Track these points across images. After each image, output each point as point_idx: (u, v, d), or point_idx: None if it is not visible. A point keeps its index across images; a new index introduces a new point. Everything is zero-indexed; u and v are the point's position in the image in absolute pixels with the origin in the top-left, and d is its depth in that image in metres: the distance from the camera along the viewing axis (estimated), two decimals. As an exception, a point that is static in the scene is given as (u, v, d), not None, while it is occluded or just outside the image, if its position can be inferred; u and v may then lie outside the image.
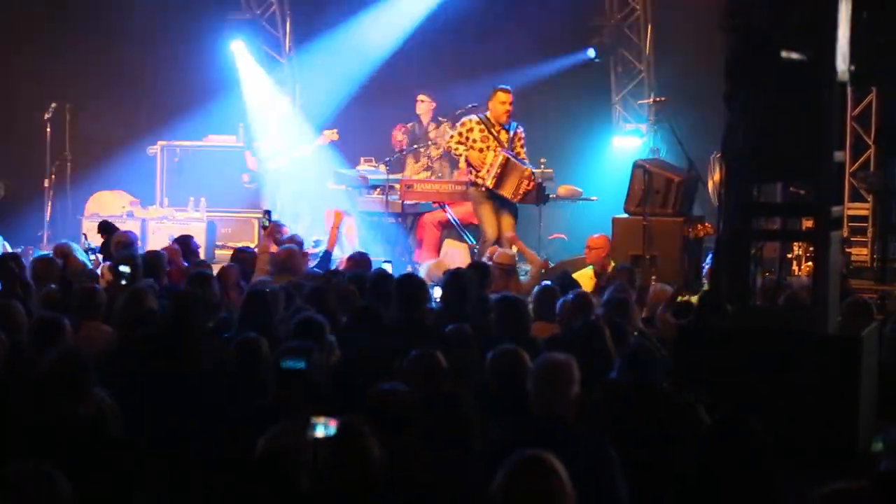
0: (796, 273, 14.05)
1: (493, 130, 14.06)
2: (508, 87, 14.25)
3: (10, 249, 13.31)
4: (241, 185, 16.92)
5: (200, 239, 14.75)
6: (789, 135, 6.97)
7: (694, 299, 10.53)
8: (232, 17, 18.23)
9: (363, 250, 12.71)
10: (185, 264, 11.26)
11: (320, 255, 12.42)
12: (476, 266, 10.27)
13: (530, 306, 9.15)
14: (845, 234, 14.10)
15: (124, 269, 9.84)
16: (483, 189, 13.96)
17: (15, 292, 8.88)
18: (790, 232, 8.80)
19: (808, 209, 7.55)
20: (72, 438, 5.65)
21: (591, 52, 17.55)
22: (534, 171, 14.25)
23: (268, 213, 12.75)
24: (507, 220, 14.02)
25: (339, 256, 12.89)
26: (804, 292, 9.40)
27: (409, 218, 15.34)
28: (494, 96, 14.15)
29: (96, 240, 12.65)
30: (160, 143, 17.90)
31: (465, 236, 15.07)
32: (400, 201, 14.99)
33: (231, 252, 12.26)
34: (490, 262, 11.43)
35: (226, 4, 18.28)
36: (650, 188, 13.86)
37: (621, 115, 18.01)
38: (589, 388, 6.65)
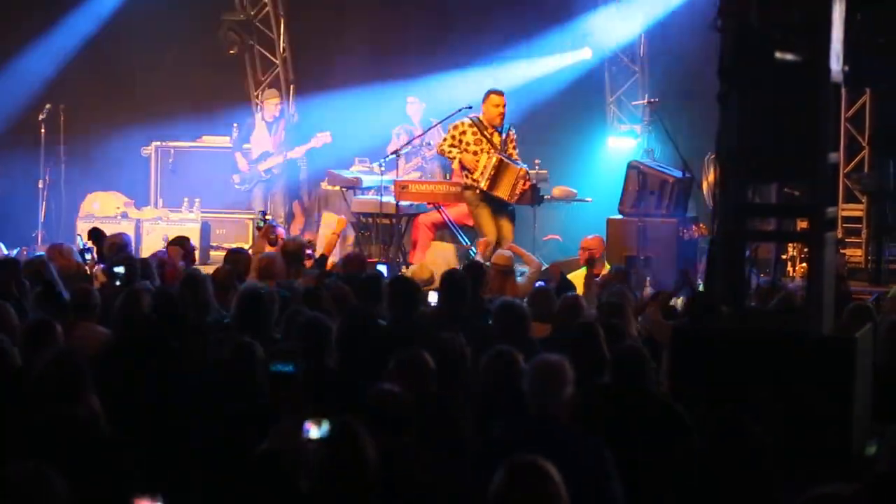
0: (791, 274, 14.09)
1: (486, 133, 14.01)
2: (502, 90, 14.21)
3: (4, 250, 13.31)
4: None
5: (195, 240, 14.72)
6: (784, 136, 6.97)
7: (679, 302, 10.55)
8: (226, 18, 18.22)
9: (356, 251, 12.74)
10: (182, 264, 11.25)
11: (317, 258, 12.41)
12: (471, 267, 10.25)
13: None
14: (840, 236, 14.10)
15: (119, 270, 9.84)
16: (478, 192, 13.93)
17: (11, 293, 8.86)
18: (785, 233, 8.81)
19: (802, 210, 7.55)
20: (68, 439, 5.64)
21: (587, 53, 17.55)
22: (528, 170, 14.25)
23: (263, 213, 12.75)
24: (507, 226, 14.00)
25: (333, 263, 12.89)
26: (796, 294, 9.42)
27: (403, 219, 15.34)
28: (488, 99, 14.09)
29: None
30: (154, 143, 17.88)
31: (459, 237, 15.07)
32: (394, 202, 14.98)
33: (225, 253, 12.23)
34: (487, 264, 11.42)
35: (219, 5, 18.27)
36: (645, 189, 13.88)
37: (616, 116, 18.01)
38: (583, 389, 6.66)
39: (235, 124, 17.04)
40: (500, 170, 13.80)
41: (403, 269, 13.15)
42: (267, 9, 18.49)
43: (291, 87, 18.62)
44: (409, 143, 15.97)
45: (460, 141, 14.02)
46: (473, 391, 6.95)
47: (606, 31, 17.27)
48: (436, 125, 15.66)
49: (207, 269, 11.05)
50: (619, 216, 14.01)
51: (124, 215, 16.85)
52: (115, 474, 5.63)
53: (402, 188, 14.89)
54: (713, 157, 11.25)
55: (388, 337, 7.98)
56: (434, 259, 14.07)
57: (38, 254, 12.23)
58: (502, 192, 13.85)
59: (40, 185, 17.25)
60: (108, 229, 12.86)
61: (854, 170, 16.10)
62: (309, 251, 12.01)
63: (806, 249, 8.97)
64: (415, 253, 15.22)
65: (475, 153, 13.94)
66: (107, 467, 5.64)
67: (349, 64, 17.92)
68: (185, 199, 17.21)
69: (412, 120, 16.43)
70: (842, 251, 14.53)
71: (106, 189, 17.55)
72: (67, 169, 17.44)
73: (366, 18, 18.10)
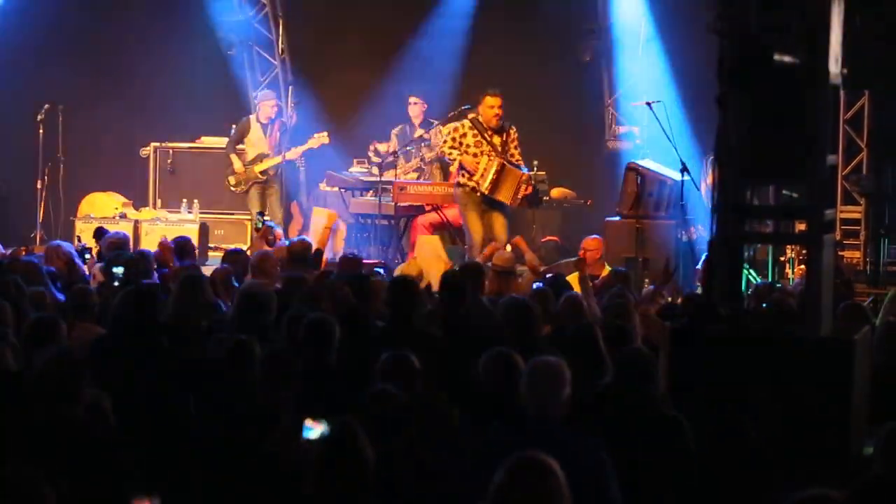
0: (789, 276, 14.09)
1: (485, 135, 13.94)
2: (498, 91, 14.08)
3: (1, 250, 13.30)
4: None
5: (193, 240, 14.71)
6: (782, 138, 6.98)
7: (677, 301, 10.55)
8: (224, 18, 18.22)
9: (354, 252, 12.74)
10: (178, 264, 11.23)
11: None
12: (469, 268, 10.22)
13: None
14: (838, 238, 14.11)
15: (117, 270, 9.83)
16: (469, 190, 13.84)
17: (8, 293, 8.85)
18: (783, 235, 8.82)
19: (800, 212, 7.56)
20: (66, 439, 5.65)
21: (586, 54, 17.55)
22: (528, 173, 14.21)
23: (261, 214, 12.74)
24: (499, 222, 13.89)
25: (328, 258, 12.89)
26: (790, 296, 9.43)
27: (402, 220, 15.34)
28: (483, 101, 13.98)
29: (90, 241, 12.65)
30: (153, 144, 17.86)
31: (458, 239, 15.07)
32: (393, 203, 14.98)
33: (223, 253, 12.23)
34: (488, 265, 11.41)
35: (218, 5, 18.27)
36: (643, 191, 13.89)
37: (614, 118, 18.01)
38: (585, 391, 6.67)
39: (234, 126, 17.01)
40: (501, 174, 13.72)
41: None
42: (266, 9, 18.49)
43: (290, 88, 18.61)
44: (407, 144, 15.97)
45: (460, 143, 13.94)
46: (473, 392, 6.95)
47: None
48: (436, 126, 15.65)
49: (206, 270, 11.04)
50: (618, 218, 14.02)
51: (122, 216, 16.84)
52: (114, 474, 5.64)
53: (400, 189, 14.89)
54: (712, 158, 11.26)
55: (387, 338, 7.98)
56: (421, 252, 14.04)
57: (33, 255, 12.21)
58: (504, 197, 13.78)
59: (38, 186, 17.24)
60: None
61: (852, 172, 16.11)
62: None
63: (804, 251, 8.98)
64: (413, 254, 15.20)
65: (475, 155, 13.87)
66: (106, 467, 5.65)
67: (348, 65, 17.92)
68: (184, 200, 17.20)
69: (413, 120, 16.40)
70: (842, 254, 14.55)
71: (104, 189, 17.56)
72: (66, 169, 17.44)
73: (365, 19, 18.08)
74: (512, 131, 14.08)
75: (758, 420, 6.43)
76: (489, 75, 16.10)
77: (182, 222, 16.68)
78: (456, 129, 14.06)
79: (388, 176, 15.35)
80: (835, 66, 7.06)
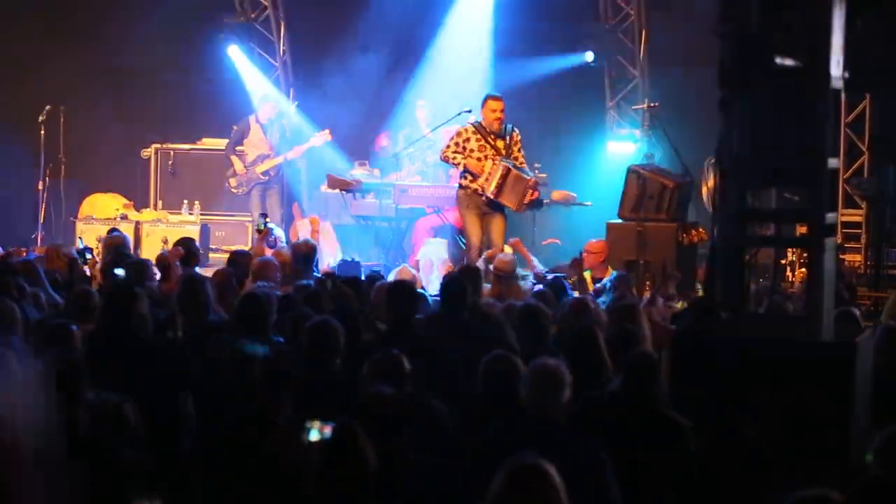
0: (790, 279, 14.09)
1: (488, 139, 13.89)
2: (499, 95, 14.06)
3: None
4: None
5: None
6: (784, 141, 6.97)
7: (681, 305, 10.55)
8: (226, 21, 18.24)
9: (353, 256, 12.75)
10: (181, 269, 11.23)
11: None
12: (467, 271, 10.22)
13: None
14: (839, 241, 14.11)
15: (118, 272, 9.84)
16: (471, 192, 13.79)
17: (10, 294, 8.86)
18: (784, 238, 8.80)
19: (802, 215, 7.55)
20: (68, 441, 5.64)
21: (589, 56, 17.56)
22: (535, 178, 14.16)
23: (263, 216, 12.73)
24: (497, 226, 13.83)
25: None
26: (788, 300, 9.43)
27: (403, 222, 15.35)
28: (485, 104, 13.93)
29: (91, 242, 12.66)
30: (154, 145, 17.89)
31: (459, 241, 15.07)
32: (394, 205, 14.98)
33: (227, 255, 12.24)
34: (490, 268, 11.41)
35: (220, 8, 18.29)
36: (644, 194, 13.89)
37: (615, 121, 18.02)
38: (582, 393, 6.68)
39: (235, 127, 17.01)
40: (507, 178, 13.65)
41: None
42: (267, 12, 18.50)
43: (291, 90, 18.64)
44: (408, 146, 15.98)
45: (464, 148, 13.87)
46: (472, 394, 6.96)
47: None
48: (439, 128, 15.64)
49: (206, 272, 11.05)
50: (619, 220, 14.01)
51: (123, 217, 16.85)
52: (114, 475, 5.64)
53: (401, 191, 14.89)
54: (713, 161, 11.27)
55: (387, 342, 7.99)
56: (426, 254, 14.04)
57: (29, 256, 12.21)
58: (509, 202, 13.71)
59: (40, 187, 17.25)
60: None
61: (854, 175, 16.12)
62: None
63: (805, 255, 8.98)
64: (414, 256, 15.21)
65: (479, 159, 13.80)
66: (106, 468, 5.65)
67: (349, 67, 17.92)
68: (185, 202, 17.21)
69: (420, 123, 16.37)
70: (844, 259, 14.56)
71: (105, 191, 17.57)
72: (67, 170, 17.45)
73: (366, 21, 18.09)
74: (515, 134, 14.00)
75: (759, 423, 6.43)
76: (490, 77, 16.13)
77: (183, 224, 16.69)
78: (459, 134, 13.98)
79: (391, 178, 15.35)
80: (836, 70, 7.05)
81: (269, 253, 11.57)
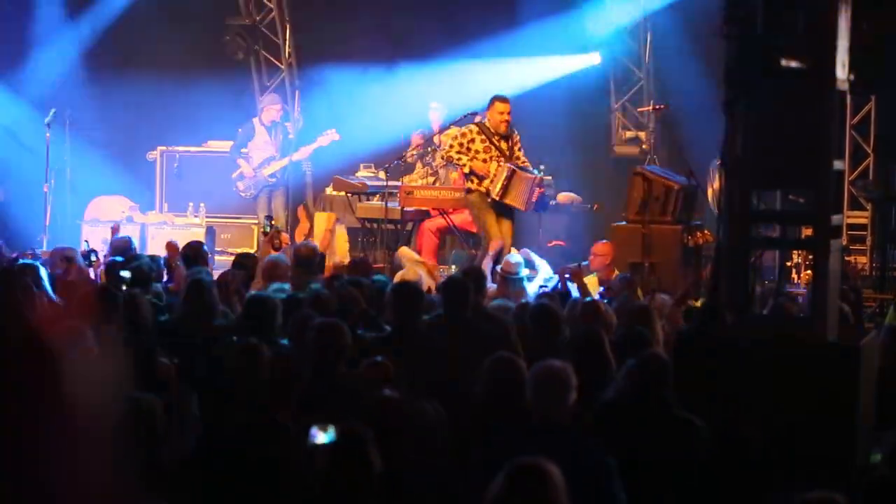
0: (796, 281, 14.08)
1: (493, 140, 13.88)
2: (506, 97, 14.06)
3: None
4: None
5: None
6: (789, 143, 6.98)
7: (697, 303, 10.54)
8: (231, 23, 18.25)
9: (362, 256, 12.75)
10: (183, 268, 11.23)
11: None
12: (471, 272, 10.20)
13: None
14: (844, 243, 14.10)
15: (125, 274, 9.84)
16: (483, 193, 13.80)
17: (15, 297, 8.87)
18: (789, 240, 8.81)
19: (807, 217, 7.56)
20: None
21: (595, 59, 17.57)
22: (540, 176, 14.16)
23: (269, 218, 12.73)
24: (507, 227, 13.89)
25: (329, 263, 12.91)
26: (792, 301, 9.43)
27: (408, 224, 15.34)
28: (492, 106, 13.93)
29: (97, 244, 12.66)
30: (160, 148, 17.89)
31: (464, 244, 15.08)
32: (399, 207, 14.98)
33: (233, 258, 12.24)
34: (498, 267, 11.41)
35: (225, 10, 18.30)
36: (649, 196, 13.87)
37: (621, 123, 18.02)
38: (587, 396, 6.67)
39: (240, 129, 17.01)
40: (512, 179, 13.66)
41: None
42: (272, 14, 18.51)
43: (297, 92, 18.65)
44: (414, 148, 15.97)
45: (468, 149, 13.86)
46: (476, 396, 6.96)
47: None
48: (445, 130, 15.62)
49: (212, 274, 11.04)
50: (624, 223, 14.01)
51: (129, 219, 16.84)
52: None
53: (407, 194, 14.89)
54: (718, 164, 11.27)
55: (390, 343, 8.00)
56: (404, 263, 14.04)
57: (38, 258, 12.22)
58: (516, 202, 13.71)
59: (45, 189, 17.25)
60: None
61: (859, 177, 16.11)
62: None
63: (811, 256, 8.98)
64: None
65: (484, 161, 13.80)
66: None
67: (355, 69, 17.93)
68: (190, 204, 17.20)
69: (433, 126, 16.35)
70: (850, 260, 14.54)
71: (111, 193, 17.57)
72: (72, 173, 17.46)
73: (372, 23, 18.10)
74: (515, 135, 14.04)
75: (764, 425, 6.43)
76: (496, 80, 16.12)
77: (189, 226, 16.69)
78: (464, 135, 13.99)
79: (396, 181, 15.35)
80: (842, 72, 7.06)
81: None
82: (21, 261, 11.28)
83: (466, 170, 13.89)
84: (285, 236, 13.45)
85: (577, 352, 7.49)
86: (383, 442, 5.64)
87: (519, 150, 14.01)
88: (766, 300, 9.70)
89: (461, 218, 14.87)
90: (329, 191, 16.92)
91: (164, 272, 11.02)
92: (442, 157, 14.51)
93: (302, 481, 5.54)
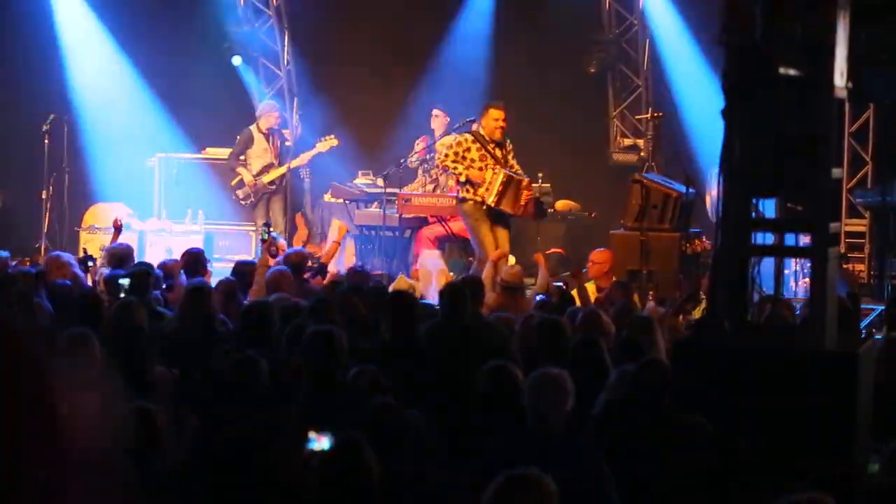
0: (794, 289, 14.07)
1: (488, 147, 13.86)
2: (501, 104, 14.01)
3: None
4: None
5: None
6: (787, 151, 6.98)
7: (697, 312, 10.55)
8: (229, 30, 18.25)
9: (362, 264, 12.75)
10: (185, 280, 11.23)
11: (315, 266, 12.41)
12: (469, 281, 10.19)
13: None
14: (842, 251, 14.11)
15: (123, 282, 9.83)
16: (478, 203, 13.76)
17: (11, 303, 8.87)
18: (788, 248, 8.81)
19: (805, 225, 7.56)
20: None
21: (590, 65, 17.58)
22: (530, 181, 14.14)
23: (267, 226, 12.73)
24: (504, 235, 13.83)
25: (333, 271, 12.89)
26: (788, 309, 9.41)
27: (406, 232, 15.34)
28: (487, 113, 13.86)
29: (95, 251, 12.65)
30: (158, 155, 17.88)
31: (462, 252, 15.07)
32: (397, 215, 14.98)
33: (230, 265, 12.24)
34: (499, 279, 11.40)
35: (223, 17, 18.30)
36: (648, 203, 13.88)
37: (619, 130, 18.03)
38: (584, 402, 6.67)
39: (238, 137, 17.01)
40: (508, 186, 13.63)
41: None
42: (271, 21, 18.52)
43: (295, 98, 18.66)
44: (415, 153, 15.98)
45: (464, 157, 13.82)
46: (473, 403, 6.96)
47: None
48: (445, 137, 15.62)
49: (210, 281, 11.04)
50: (622, 230, 14.02)
51: (127, 226, 16.82)
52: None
53: (405, 201, 14.89)
54: (716, 171, 11.26)
55: (389, 353, 7.99)
56: (424, 266, 14.02)
57: (36, 265, 12.22)
58: (509, 207, 13.69)
59: (43, 196, 17.24)
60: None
61: (857, 185, 16.12)
62: (310, 263, 12.02)
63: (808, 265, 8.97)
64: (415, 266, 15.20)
65: (480, 169, 13.77)
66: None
67: (353, 76, 17.94)
68: (189, 211, 17.20)
69: (435, 133, 16.33)
70: (848, 267, 14.54)
71: (109, 200, 17.56)
72: (71, 180, 17.45)
73: (371, 30, 18.11)
74: (508, 144, 13.99)
75: (761, 433, 6.43)
76: (494, 87, 16.14)
77: (187, 233, 16.68)
78: (459, 143, 13.93)
79: (394, 188, 15.36)
80: (840, 80, 7.06)
81: (272, 263, 11.56)
82: (19, 269, 11.28)
83: (462, 178, 13.83)
84: (282, 243, 13.41)
85: (576, 359, 7.49)
86: (381, 449, 5.64)
87: (512, 158, 13.99)
88: (764, 308, 9.69)
89: (459, 225, 14.84)
90: (327, 198, 16.92)
91: (163, 281, 11.00)
92: (437, 166, 14.48)
93: (300, 489, 5.53)
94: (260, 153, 16.45)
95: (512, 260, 13.61)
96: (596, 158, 17.78)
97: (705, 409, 6.65)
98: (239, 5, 18.27)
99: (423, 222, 15.33)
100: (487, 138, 13.83)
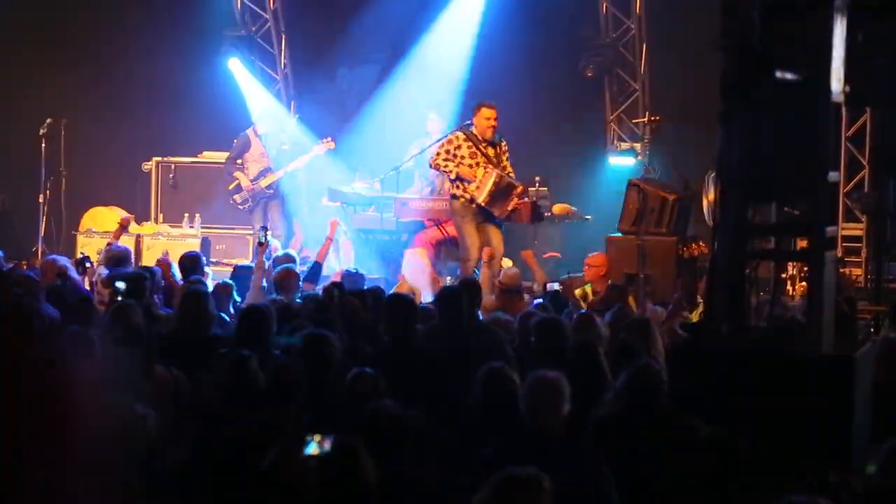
0: (791, 293, 14.08)
1: (480, 147, 13.83)
2: (493, 103, 13.94)
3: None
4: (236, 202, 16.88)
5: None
6: (784, 154, 6.99)
7: (694, 316, 10.56)
8: (227, 34, 18.25)
9: (356, 268, 12.74)
10: (179, 281, 11.23)
11: (310, 266, 12.41)
12: (466, 283, 10.19)
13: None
14: (840, 255, 14.10)
15: (120, 284, 9.82)
16: (466, 202, 13.73)
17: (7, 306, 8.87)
18: (785, 252, 8.81)
19: (802, 229, 7.56)
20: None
21: (589, 71, 17.59)
22: (526, 188, 14.11)
23: (264, 229, 12.73)
24: (496, 234, 13.74)
25: (332, 270, 12.90)
26: (788, 313, 9.42)
27: (403, 235, 15.34)
28: (479, 112, 13.83)
29: (93, 255, 12.65)
30: (155, 159, 17.88)
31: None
32: (394, 218, 14.97)
33: (227, 268, 12.26)
34: (495, 281, 11.41)
35: (221, 21, 18.30)
36: (645, 207, 13.89)
37: (616, 134, 18.04)
38: (582, 406, 6.68)
39: (236, 140, 17.01)
40: (499, 185, 13.62)
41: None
42: (268, 25, 18.53)
43: (292, 102, 18.66)
44: (410, 158, 15.97)
45: (455, 155, 13.81)
46: (471, 406, 6.97)
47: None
48: (440, 140, 15.60)
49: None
50: (619, 234, 14.01)
51: (124, 230, 16.82)
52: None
53: (401, 205, 14.88)
54: (713, 175, 11.27)
55: (388, 356, 8.00)
56: (408, 267, 14.01)
57: (32, 269, 12.22)
58: (496, 210, 13.66)
59: (40, 200, 17.24)
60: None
61: (854, 189, 16.13)
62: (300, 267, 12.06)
63: (806, 268, 8.98)
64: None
65: (470, 166, 13.74)
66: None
67: (350, 79, 17.94)
68: (186, 215, 17.21)
69: (431, 136, 16.31)
70: (845, 271, 14.54)
71: (106, 204, 17.56)
72: (68, 183, 17.45)
73: (368, 34, 18.11)
74: (503, 144, 13.95)
75: (759, 436, 6.43)
76: (491, 90, 16.12)
77: (184, 237, 16.68)
78: (450, 141, 13.91)
79: (391, 192, 15.37)
80: (837, 84, 7.07)
81: (267, 266, 11.56)
82: (17, 272, 11.28)
83: (453, 175, 13.80)
84: (275, 246, 13.42)
85: (573, 362, 7.49)
86: (380, 451, 5.64)
87: (507, 159, 13.95)
88: (762, 311, 9.70)
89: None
90: (324, 201, 16.91)
91: (162, 283, 11.01)
92: (430, 166, 14.47)
93: (300, 489, 5.53)
94: (257, 157, 16.45)
95: (509, 262, 13.61)
96: (593, 162, 17.77)
97: (703, 411, 6.66)
98: (236, 9, 18.28)
99: (420, 226, 15.32)
100: (479, 137, 13.81)
